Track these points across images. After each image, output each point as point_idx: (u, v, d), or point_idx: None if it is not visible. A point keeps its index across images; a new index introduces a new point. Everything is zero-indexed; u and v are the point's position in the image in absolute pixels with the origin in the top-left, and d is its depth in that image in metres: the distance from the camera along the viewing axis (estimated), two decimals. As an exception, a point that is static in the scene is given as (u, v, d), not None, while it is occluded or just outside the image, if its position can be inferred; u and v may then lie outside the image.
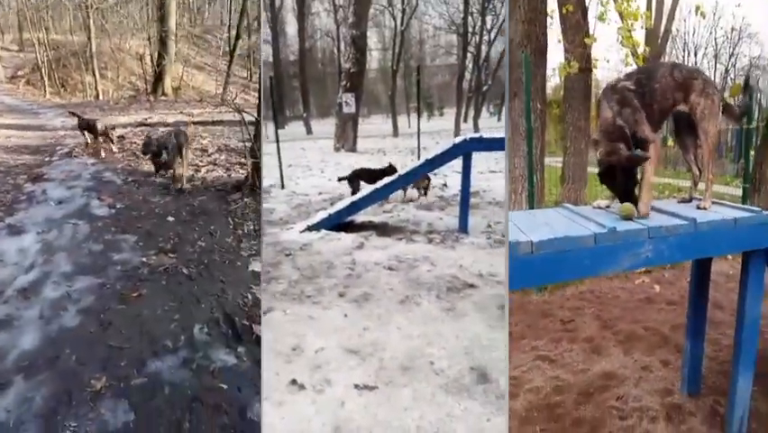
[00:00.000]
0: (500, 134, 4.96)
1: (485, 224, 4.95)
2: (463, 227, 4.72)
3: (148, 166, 5.62)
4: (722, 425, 2.45)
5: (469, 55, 10.19)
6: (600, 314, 3.76)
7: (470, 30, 10.15)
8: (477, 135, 4.94)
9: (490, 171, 7.12)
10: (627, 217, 2.07)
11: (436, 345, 2.82)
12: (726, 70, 10.85)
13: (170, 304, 3.29)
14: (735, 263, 3.97)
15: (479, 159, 5.24)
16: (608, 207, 2.34)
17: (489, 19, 10.27)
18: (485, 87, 10.76)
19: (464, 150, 4.74)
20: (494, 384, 2.52)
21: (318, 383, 2.50)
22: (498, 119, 10.91)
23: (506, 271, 2.39)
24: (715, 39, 11.04)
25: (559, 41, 5.61)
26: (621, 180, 2.17)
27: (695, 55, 11.13)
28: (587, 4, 5.49)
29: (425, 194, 5.96)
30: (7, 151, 6.24)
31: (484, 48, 10.35)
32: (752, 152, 5.12)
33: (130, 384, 2.60)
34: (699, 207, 2.32)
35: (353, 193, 5.53)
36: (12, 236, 4.20)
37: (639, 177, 2.24)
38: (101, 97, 8.06)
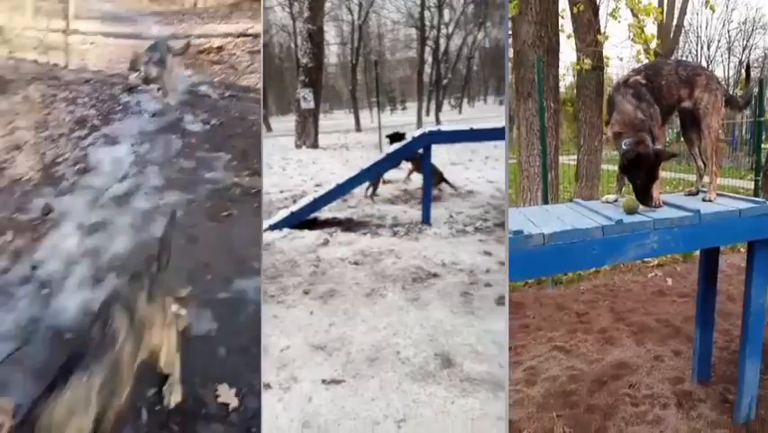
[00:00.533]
0: (460, 126, 5.01)
1: (447, 214, 5.01)
2: (426, 219, 4.79)
3: (246, 81, 5.30)
4: (731, 411, 2.53)
5: (428, 48, 10.12)
6: (614, 306, 3.84)
7: (427, 24, 10.11)
8: (435, 128, 5.01)
9: (451, 164, 7.04)
10: (631, 211, 2.15)
11: (402, 334, 2.90)
12: (740, 62, 10.68)
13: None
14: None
15: (440, 151, 5.30)
16: (615, 201, 2.43)
17: (446, 12, 10.15)
18: (445, 81, 10.68)
19: (423, 143, 4.78)
20: (457, 368, 2.64)
21: (285, 381, 2.56)
22: (459, 112, 10.79)
23: (506, 265, 2.48)
24: (728, 31, 10.87)
25: (569, 37, 5.65)
26: (644, 173, 2.20)
27: (708, 48, 10.97)
28: (598, 2, 5.55)
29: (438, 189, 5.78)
30: (104, 59, 5.88)
31: (442, 41, 10.22)
32: (764, 145, 5.12)
33: (215, 297, 2.76)
34: (704, 200, 2.41)
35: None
36: (107, 146, 4.23)
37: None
38: (200, 4, 7.42)
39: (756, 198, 2.37)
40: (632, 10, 5.19)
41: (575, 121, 7.06)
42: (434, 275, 3.64)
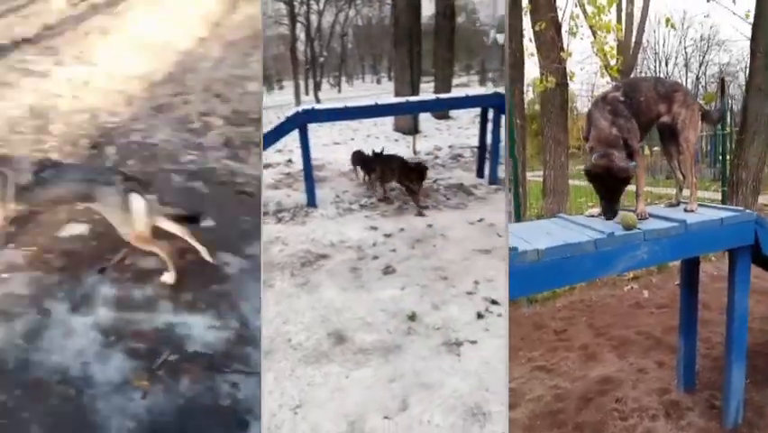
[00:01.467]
0: (335, 105, 5.03)
1: (333, 195, 5.08)
2: (311, 201, 4.77)
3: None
4: (719, 417, 2.54)
5: (299, 25, 10.06)
6: (593, 322, 3.84)
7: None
8: (309, 107, 4.95)
9: (335, 143, 7.21)
10: (628, 228, 2.12)
11: (292, 321, 2.94)
12: (698, 78, 11.27)
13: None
14: (719, 264, 4.13)
15: (323, 131, 5.31)
16: (600, 215, 2.42)
17: None
18: (321, 59, 10.73)
19: (298, 123, 4.72)
20: (349, 342, 2.72)
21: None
22: (339, 91, 10.90)
23: (506, 280, 2.49)
24: (684, 48, 11.47)
25: (531, 55, 5.78)
26: (606, 188, 2.27)
27: (666, 65, 11.52)
28: (560, 20, 5.72)
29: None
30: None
31: (314, 18, 10.25)
32: (728, 157, 5.36)
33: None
34: (686, 210, 2.45)
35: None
36: None
37: (633, 185, 2.36)
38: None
39: (736, 207, 2.42)
40: (591, 27, 5.36)
41: (537, 137, 7.21)
42: (323, 256, 3.71)
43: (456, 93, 7.47)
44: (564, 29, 5.51)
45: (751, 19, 5.04)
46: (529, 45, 5.61)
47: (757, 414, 2.56)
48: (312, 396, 2.38)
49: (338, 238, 4.05)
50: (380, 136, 7.03)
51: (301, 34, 10.09)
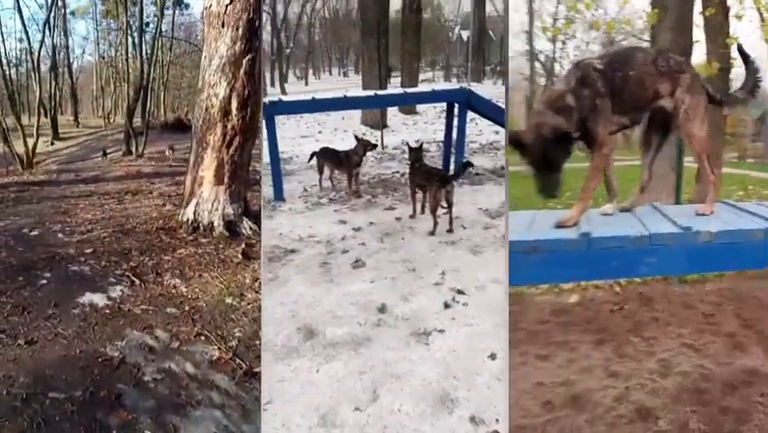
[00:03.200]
0: (303, 96, 5.01)
1: (301, 189, 5.09)
2: (279, 195, 4.77)
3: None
4: None
5: (265, 15, 10.09)
6: (740, 312, 3.84)
7: None
8: (276, 99, 4.96)
9: (302, 136, 7.25)
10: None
11: (260, 319, 2.96)
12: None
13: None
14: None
15: (290, 124, 5.35)
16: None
17: None
18: (288, 51, 10.76)
19: (265, 114, 4.70)
20: (320, 336, 2.74)
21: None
22: (306, 83, 10.98)
23: (506, 270, 2.54)
24: None
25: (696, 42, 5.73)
26: (537, 152, 1.86)
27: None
28: (728, 4, 5.70)
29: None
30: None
31: (280, 8, 10.25)
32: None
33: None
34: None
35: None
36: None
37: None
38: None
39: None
40: (759, 10, 5.37)
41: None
42: (292, 251, 3.72)
43: (423, 88, 7.53)
44: (732, 13, 5.50)
45: None
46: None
47: None
48: (282, 391, 2.38)
49: (307, 232, 4.04)
50: (348, 130, 7.04)
51: (267, 24, 9.89)
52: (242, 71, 4.42)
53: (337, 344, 2.68)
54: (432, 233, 3.92)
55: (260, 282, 3.65)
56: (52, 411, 2.34)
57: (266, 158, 4.99)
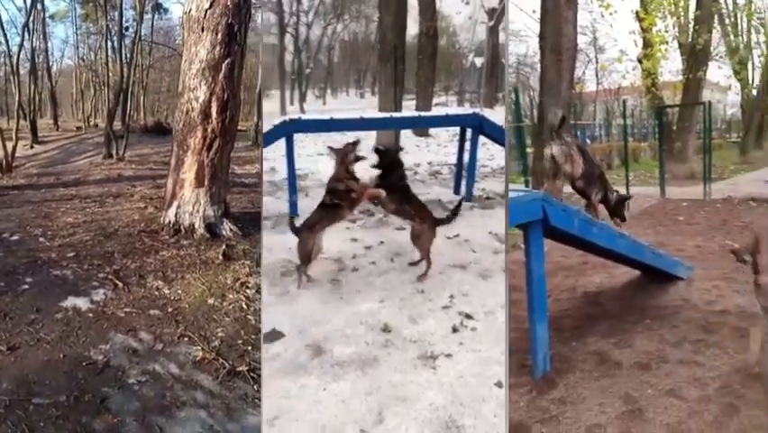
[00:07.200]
0: (321, 116, 5.10)
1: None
2: (293, 210, 4.76)
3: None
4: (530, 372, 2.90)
5: (288, 36, 10.30)
6: None
7: (286, 10, 10.27)
8: (296, 117, 5.04)
9: (318, 154, 7.18)
10: None
11: (261, 330, 2.94)
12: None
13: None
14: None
15: (307, 141, 5.40)
16: None
17: (304, 0, 10.31)
18: (308, 71, 10.95)
19: (284, 132, 4.78)
20: (328, 354, 2.73)
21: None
22: (324, 102, 11.10)
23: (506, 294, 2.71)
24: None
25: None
26: None
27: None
28: None
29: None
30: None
31: (303, 30, 10.42)
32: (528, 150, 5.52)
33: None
34: None
35: None
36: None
37: None
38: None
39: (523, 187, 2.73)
40: None
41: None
42: (320, 247, 3.65)
43: (437, 111, 7.62)
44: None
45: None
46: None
47: (565, 363, 2.99)
48: (288, 406, 2.37)
49: (318, 247, 4.07)
50: (363, 150, 7.16)
51: (289, 45, 10.15)
52: (221, 75, 4.51)
53: (344, 363, 2.68)
54: (424, 274, 3.60)
55: (240, 282, 3.71)
56: (36, 417, 2.33)
57: (283, 173, 5.07)
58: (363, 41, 10.91)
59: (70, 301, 3.36)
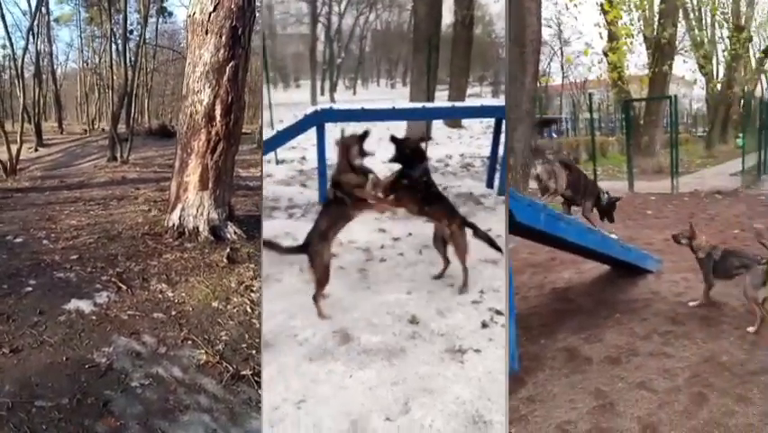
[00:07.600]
0: (353, 106, 5.10)
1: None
2: (323, 199, 4.59)
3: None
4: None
5: (320, 26, 10.10)
6: None
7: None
8: (328, 107, 5.01)
9: None
10: None
11: (299, 316, 2.96)
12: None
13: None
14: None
15: (336, 131, 5.33)
16: None
17: None
18: (339, 61, 10.80)
19: (317, 121, 4.78)
20: (355, 342, 2.75)
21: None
22: (354, 93, 10.91)
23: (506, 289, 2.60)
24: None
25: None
26: None
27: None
28: None
29: None
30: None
31: (335, 20, 10.23)
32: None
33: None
34: None
35: None
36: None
37: None
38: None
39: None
40: None
41: None
42: (332, 255, 3.60)
43: (471, 102, 7.50)
44: None
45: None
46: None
47: (534, 361, 2.96)
48: (315, 392, 2.40)
49: (347, 238, 4.02)
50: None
51: (321, 35, 10.17)
52: (225, 78, 4.49)
53: (371, 351, 2.69)
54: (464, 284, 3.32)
55: (245, 286, 3.71)
56: (39, 420, 2.33)
57: (315, 162, 5.10)
58: (396, 30, 10.85)
59: (73, 304, 3.37)
